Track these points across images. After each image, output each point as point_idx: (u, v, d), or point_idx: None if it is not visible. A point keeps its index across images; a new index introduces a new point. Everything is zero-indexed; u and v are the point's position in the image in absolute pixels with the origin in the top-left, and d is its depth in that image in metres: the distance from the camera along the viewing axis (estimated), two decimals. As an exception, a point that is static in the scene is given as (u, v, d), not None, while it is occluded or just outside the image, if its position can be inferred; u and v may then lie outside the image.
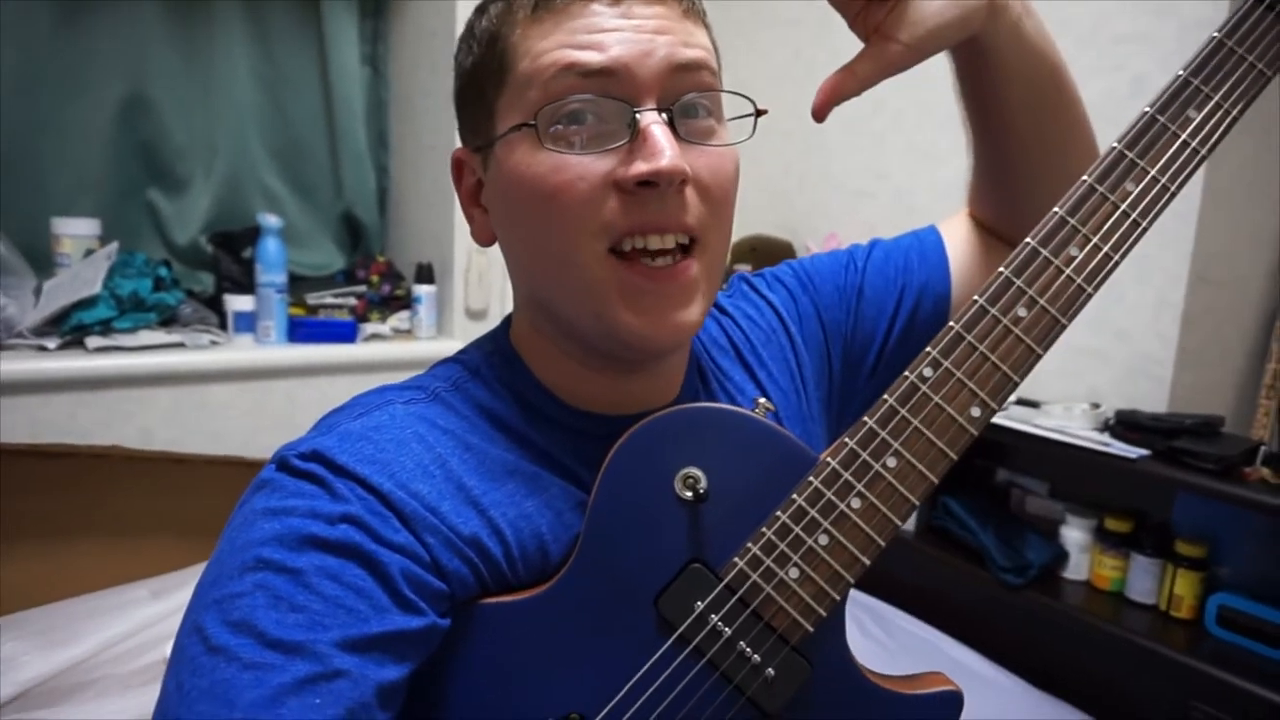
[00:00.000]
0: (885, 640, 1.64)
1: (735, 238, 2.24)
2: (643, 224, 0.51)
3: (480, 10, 0.56)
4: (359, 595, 0.46)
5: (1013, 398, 1.73)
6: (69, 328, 1.72)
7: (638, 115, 0.50)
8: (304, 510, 0.47)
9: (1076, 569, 1.60)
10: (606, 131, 0.51)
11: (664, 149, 0.49)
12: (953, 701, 0.53)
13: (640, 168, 0.49)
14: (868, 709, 0.52)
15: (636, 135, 0.50)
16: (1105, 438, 1.50)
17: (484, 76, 0.55)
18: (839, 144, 2.17)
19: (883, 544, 0.51)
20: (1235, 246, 1.61)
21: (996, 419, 1.60)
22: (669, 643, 0.50)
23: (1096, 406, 1.59)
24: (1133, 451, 1.44)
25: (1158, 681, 1.46)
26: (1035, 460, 1.77)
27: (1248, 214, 1.61)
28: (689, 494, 0.52)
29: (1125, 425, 1.50)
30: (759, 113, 0.56)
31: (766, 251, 2.22)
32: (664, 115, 0.51)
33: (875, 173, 2.09)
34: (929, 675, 0.54)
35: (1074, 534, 1.60)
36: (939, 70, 2.15)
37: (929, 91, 1.96)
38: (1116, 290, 1.63)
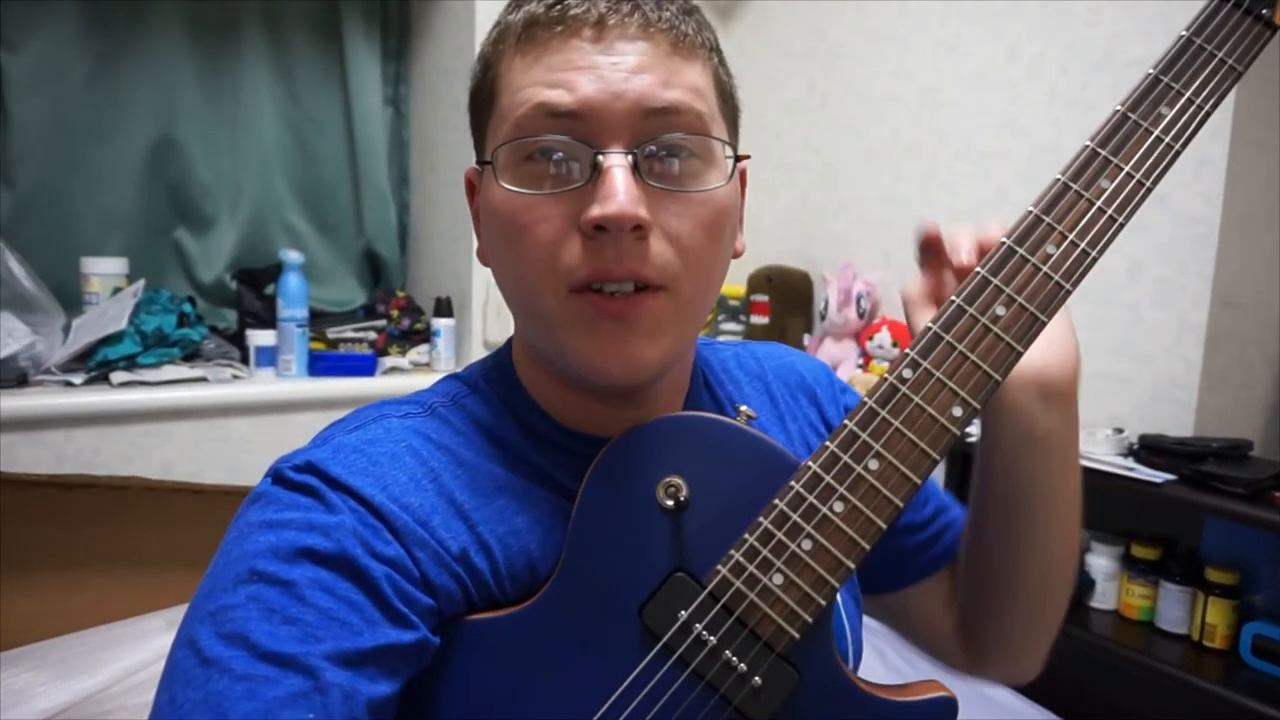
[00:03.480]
0: (907, 672, 1.60)
1: (751, 268, 2.25)
2: (600, 270, 0.49)
3: (489, 34, 0.57)
4: (351, 609, 0.45)
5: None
6: (95, 363, 1.76)
7: (600, 158, 0.49)
8: (298, 523, 0.47)
9: (1104, 598, 1.55)
10: (572, 172, 0.50)
11: (617, 193, 0.48)
12: (946, 707, 0.51)
13: (594, 211, 0.48)
14: (859, 717, 0.50)
15: (596, 177, 0.49)
16: (1130, 462, 1.47)
17: (479, 102, 0.56)
18: (855, 174, 2.17)
19: (867, 547, 0.50)
20: (1258, 268, 1.58)
21: (1016, 445, 1.58)
22: (652, 653, 0.50)
23: (1120, 431, 1.55)
24: (1158, 476, 1.40)
25: (1192, 714, 1.40)
26: (1059, 487, 1.73)
27: (1269, 235, 1.58)
28: (670, 502, 0.51)
29: (1150, 450, 1.46)
30: (739, 158, 0.54)
31: (783, 281, 2.22)
32: (629, 158, 0.49)
33: (892, 202, 2.09)
34: (923, 683, 0.53)
35: (1100, 562, 1.56)
36: (953, 97, 2.17)
37: (945, 120, 1.96)
38: (1137, 314, 1.61)
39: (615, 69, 0.49)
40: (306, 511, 0.48)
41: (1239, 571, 1.41)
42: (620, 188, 0.48)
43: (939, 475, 1.04)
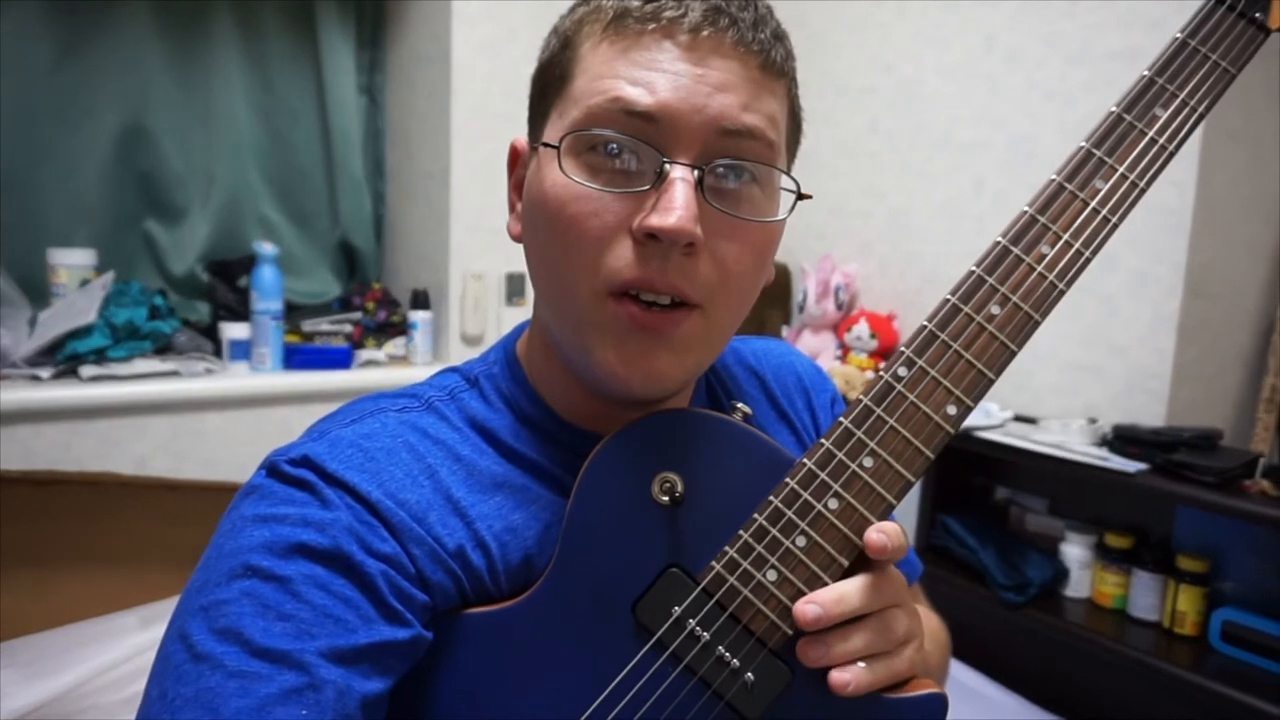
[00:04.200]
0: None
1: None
2: (642, 278, 0.49)
3: (571, 8, 0.55)
4: (346, 605, 0.45)
5: (1009, 414, 1.72)
6: (63, 357, 1.72)
7: (666, 165, 0.48)
8: (293, 518, 0.47)
9: (1078, 586, 1.58)
10: (635, 172, 0.49)
11: (677, 206, 0.47)
12: (936, 704, 0.52)
13: (651, 220, 0.47)
14: (850, 713, 0.50)
15: (660, 184, 0.48)
16: (1104, 453, 1.49)
17: (549, 77, 0.54)
18: (834, 165, 2.18)
19: (860, 545, 0.50)
20: (1230, 259, 1.61)
21: (994, 436, 1.60)
22: (645, 648, 0.50)
23: (1094, 422, 1.58)
24: (1131, 466, 1.43)
25: (1162, 699, 1.43)
26: (1034, 477, 1.76)
27: (1242, 226, 1.61)
28: (665, 498, 0.51)
29: (1123, 440, 1.49)
30: (800, 196, 0.53)
31: (762, 273, 2.23)
32: (695, 173, 0.48)
33: (870, 194, 2.10)
34: (914, 680, 0.53)
35: (1074, 551, 1.59)
36: (932, 88, 2.17)
37: (923, 111, 1.97)
38: (1110, 304, 1.63)
39: (700, 81, 0.49)
40: (302, 507, 0.48)
41: (1209, 559, 1.44)
42: (681, 201, 0.47)
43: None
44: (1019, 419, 1.73)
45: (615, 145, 0.49)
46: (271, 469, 0.50)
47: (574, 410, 0.57)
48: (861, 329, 2.00)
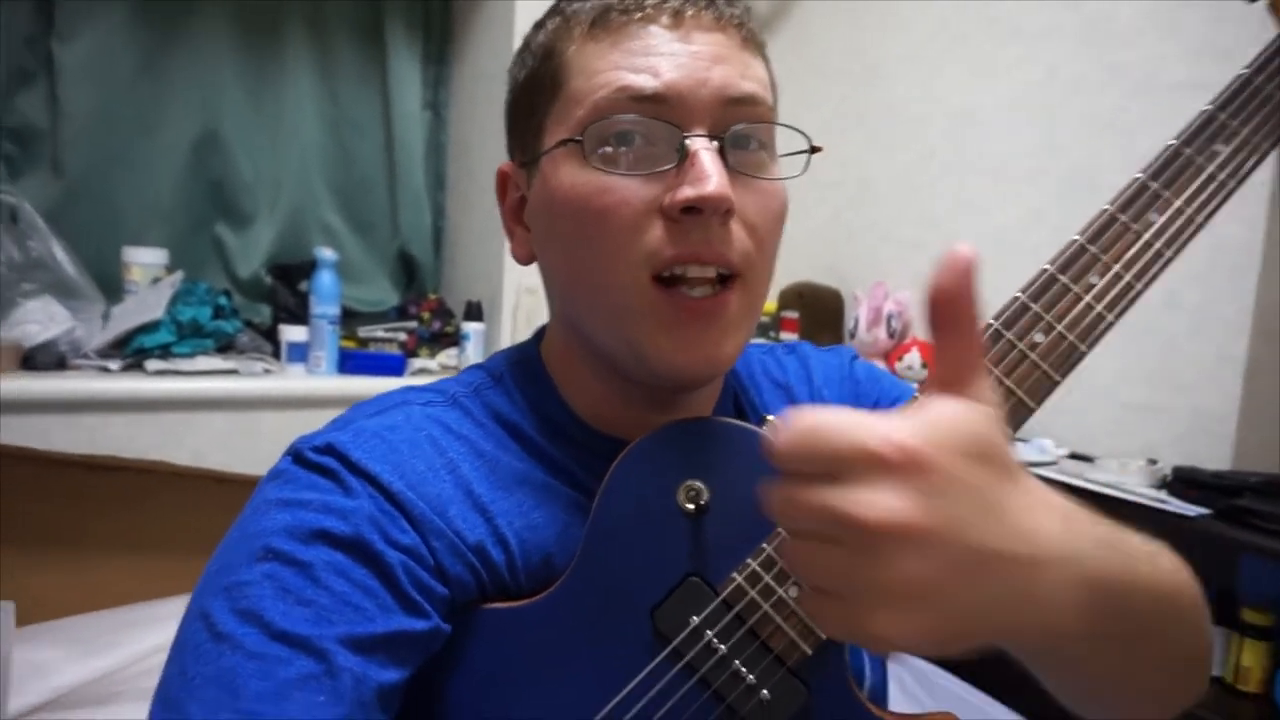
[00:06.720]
0: (926, 701, 1.57)
1: (783, 284, 2.25)
2: (687, 253, 0.49)
3: (538, 25, 0.57)
4: (366, 594, 0.45)
5: (1064, 451, 1.67)
6: (131, 350, 1.79)
7: (687, 140, 0.49)
8: (316, 504, 0.47)
9: (1132, 635, 1.52)
10: (654, 154, 0.50)
11: (710, 175, 0.48)
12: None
13: (686, 193, 0.48)
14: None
15: (684, 160, 0.49)
16: (1162, 495, 1.44)
17: (536, 90, 0.55)
18: (888, 193, 2.16)
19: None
20: (1303, 300, 1.54)
21: (1047, 473, 1.55)
22: (661, 656, 0.49)
23: (1154, 463, 1.52)
24: (1191, 510, 1.37)
25: (1220, 759, 1.37)
26: (1089, 517, 1.70)
27: (1316, 267, 1.55)
28: (690, 506, 0.51)
29: (1184, 482, 1.43)
30: (813, 149, 0.54)
31: (814, 298, 2.21)
32: (714, 143, 0.50)
33: (925, 222, 2.07)
34: (936, 714, 0.52)
35: (1129, 597, 1.53)
36: (988, 118, 2.14)
37: (977, 140, 1.94)
38: (1172, 343, 1.58)
39: (696, 57, 0.50)
40: (325, 494, 0.48)
41: (1276, 612, 1.37)
42: (712, 170, 0.48)
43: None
44: (1074, 457, 1.68)
45: (630, 133, 0.50)
46: (297, 455, 0.51)
47: (599, 415, 0.57)
48: (913, 358, 1.96)
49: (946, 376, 0.36)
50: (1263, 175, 1.44)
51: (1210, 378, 1.53)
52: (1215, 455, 1.52)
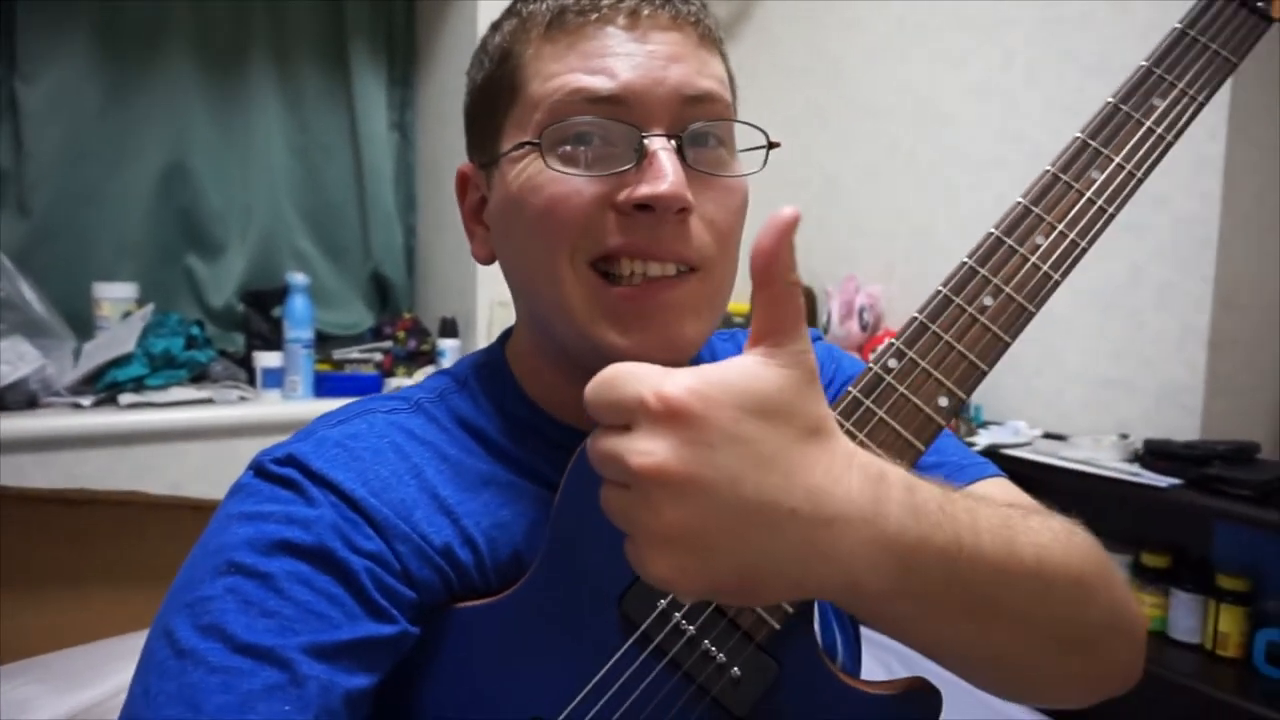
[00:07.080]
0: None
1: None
2: (636, 246, 0.50)
3: (495, 27, 0.57)
4: (330, 601, 0.46)
5: (1038, 432, 1.69)
6: (103, 385, 1.77)
7: (645, 140, 0.50)
8: (278, 515, 0.48)
9: (1115, 607, 1.53)
10: (612, 155, 0.51)
11: (667, 174, 0.48)
12: (927, 701, 0.51)
13: (642, 190, 0.48)
14: (841, 709, 0.50)
15: (643, 160, 0.50)
16: (1135, 468, 1.46)
17: (494, 93, 0.55)
18: (856, 188, 2.18)
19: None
20: (1260, 269, 1.58)
21: (1022, 454, 1.57)
22: (629, 642, 0.49)
23: (1125, 438, 1.54)
24: (1164, 481, 1.39)
25: (1206, 724, 1.38)
26: (1065, 495, 1.71)
27: (1271, 235, 1.58)
28: None
29: (1155, 454, 1.45)
30: (771, 145, 0.55)
31: (787, 296, 2.23)
32: (672, 142, 0.50)
33: (894, 214, 2.10)
34: (907, 678, 0.52)
35: (1110, 571, 1.54)
36: (951, 108, 2.17)
37: (941, 130, 1.98)
38: (1137, 318, 1.61)
39: (652, 56, 0.51)
40: (286, 504, 0.48)
41: (1251, 577, 1.40)
42: (669, 169, 0.49)
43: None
44: (1048, 436, 1.70)
45: (588, 134, 0.51)
46: (258, 468, 0.51)
47: (565, 409, 0.58)
48: (887, 350, 1.98)
49: (761, 330, 0.37)
50: (1216, 148, 1.48)
51: (1176, 351, 1.56)
52: (1185, 426, 1.54)
